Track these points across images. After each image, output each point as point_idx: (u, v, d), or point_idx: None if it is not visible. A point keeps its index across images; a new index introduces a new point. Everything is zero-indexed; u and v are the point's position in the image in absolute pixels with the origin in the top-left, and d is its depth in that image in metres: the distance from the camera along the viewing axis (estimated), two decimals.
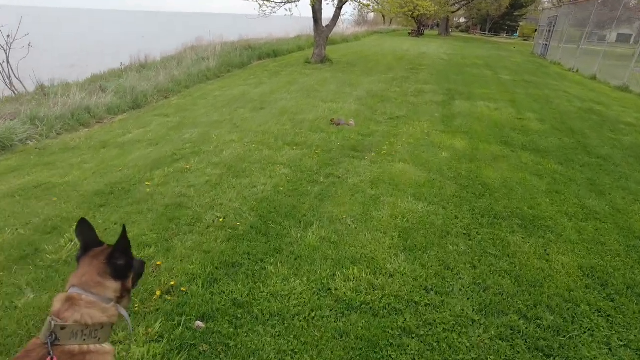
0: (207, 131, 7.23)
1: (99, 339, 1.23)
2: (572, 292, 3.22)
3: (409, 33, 44.83)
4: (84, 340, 1.19)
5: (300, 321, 2.80)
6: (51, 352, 1.10)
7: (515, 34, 67.65)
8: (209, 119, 8.23)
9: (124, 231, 1.33)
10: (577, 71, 20.86)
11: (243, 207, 4.35)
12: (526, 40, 58.19)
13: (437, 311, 2.95)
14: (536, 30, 46.67)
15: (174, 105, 10.14)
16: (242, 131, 7.21)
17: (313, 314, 2.88)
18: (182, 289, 3.06)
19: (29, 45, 9.15)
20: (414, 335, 2.72)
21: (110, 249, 1.36)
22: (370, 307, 2.96)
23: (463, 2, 54.00)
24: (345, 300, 3.01)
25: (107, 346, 1.26)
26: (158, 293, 2.98)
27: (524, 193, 5.03)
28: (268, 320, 2.80)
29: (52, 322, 1.17)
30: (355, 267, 3.39)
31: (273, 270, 3.33)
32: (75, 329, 1.18)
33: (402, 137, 7.21)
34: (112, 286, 1.31)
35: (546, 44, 28.19)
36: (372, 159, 5.93)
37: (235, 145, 6.37)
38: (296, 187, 4.86)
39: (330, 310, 2.91)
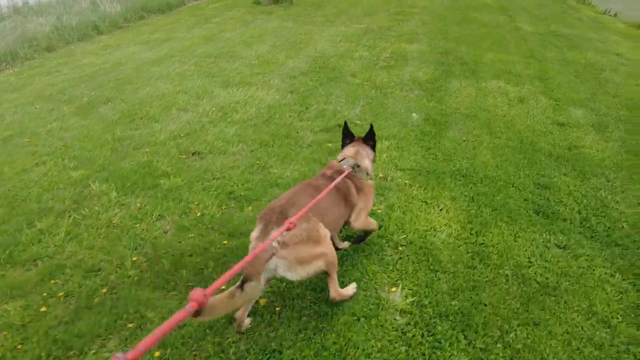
0: None
1: (370, 176, 2.56)
2: None
3: None
4: (363, 176, 2.46)
5: None
6: (352, 173, 2.33)
7: None
8: None
9: (372, 127, 2.60)
10: (616, 15, 16.05)
11: None
12: None
13: None
14: None
15: None
16: None
17: None
18: None
19: None
20: None
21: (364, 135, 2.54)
22: None
23: None
24: None
25: (372, 182, 2.59)
26: None
27: None
28: None
29: (354, 161, 2.41)
30: None
31: None
32: (363, 168, 2.45)
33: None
34: (370, 153, 2.59)
35: None
36: None
37: None
38: None
39: None
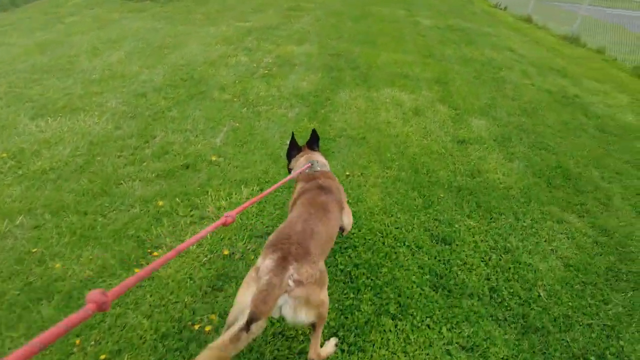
0: None
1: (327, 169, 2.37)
2: None
3: None
4: (321, 169, 2.28)
5: None
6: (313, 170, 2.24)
7: None
8: None
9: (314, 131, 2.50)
10: (506, 9, 16.63)
11: None
12: None
13: None
14: None
15: None
16: None
17: None
18: None
19: None
20: None
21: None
22: None
23: None
24: None
25: None
26: None
27: None
28: None
29: (313, 160, 2.33)
30: None
31: None
32: (319, 162, 2.33)
33: None
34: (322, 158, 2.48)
35: None
36: None
37: None
38: None
39: None
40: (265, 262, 1.59)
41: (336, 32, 8.65)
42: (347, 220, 2.31)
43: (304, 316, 1.60)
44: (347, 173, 3.62)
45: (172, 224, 2.82)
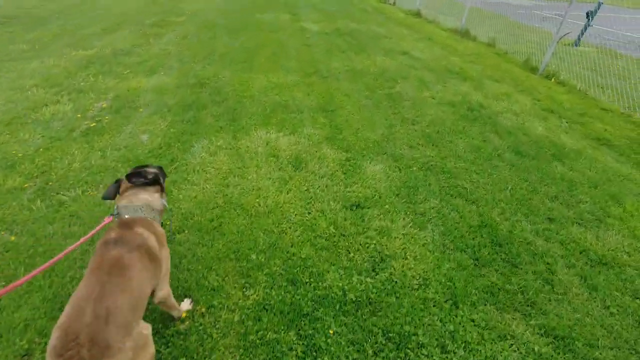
0: None
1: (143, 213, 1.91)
2: None
3: None
4: (131, 215, 1.79)
5: None
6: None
7: None
8: None
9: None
10: (395, 4, 16.34)
11: None
12: None
13: None
14: None
15: None
16: None
17: None
18: None
19: None
20: None
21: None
22: None
23: None
24: None
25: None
26: None
27: None
28: None
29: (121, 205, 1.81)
30: None
31: None
32: (136, 207, 1.82)
33: None
34: (151, 190, 1.97)
35: None
36: None
37: None
38: None
39: None
40: None
41: (205, 51, 7.15)
42: (165, 290, 1.83)
43: None
44: (185, 314, 2.22)
45: None
